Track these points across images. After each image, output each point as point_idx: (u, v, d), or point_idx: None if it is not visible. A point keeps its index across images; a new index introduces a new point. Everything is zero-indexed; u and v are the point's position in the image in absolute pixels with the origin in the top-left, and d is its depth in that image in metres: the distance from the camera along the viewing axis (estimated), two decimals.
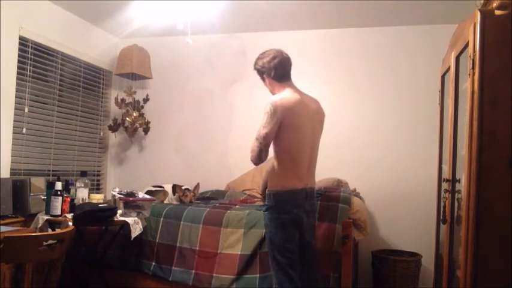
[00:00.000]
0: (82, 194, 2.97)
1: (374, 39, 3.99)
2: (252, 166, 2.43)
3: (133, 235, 2.82)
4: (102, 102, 4.48)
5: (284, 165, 2.33)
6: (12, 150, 3.32)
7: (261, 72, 2.50)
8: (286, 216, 2.30)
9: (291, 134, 2.30)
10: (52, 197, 2.74)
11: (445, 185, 2.37)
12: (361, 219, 3.05)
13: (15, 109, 3.33)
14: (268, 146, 2.32)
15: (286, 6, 3.56)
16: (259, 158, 2.30)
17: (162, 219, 3.08)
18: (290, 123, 2.28)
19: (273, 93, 2.48)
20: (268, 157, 2.35)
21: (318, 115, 2.49)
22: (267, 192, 2.38)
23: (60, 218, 2.71)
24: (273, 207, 2.33)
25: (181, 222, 3.03)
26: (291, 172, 2.33)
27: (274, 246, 2.33)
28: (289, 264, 2.31)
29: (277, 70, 2.43)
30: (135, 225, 2.84)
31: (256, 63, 2.52)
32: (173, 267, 2.96)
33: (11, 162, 3.31)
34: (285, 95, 2.35)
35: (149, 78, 4.38)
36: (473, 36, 1.82)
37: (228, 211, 3.01)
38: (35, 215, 2.84)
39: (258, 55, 2.52)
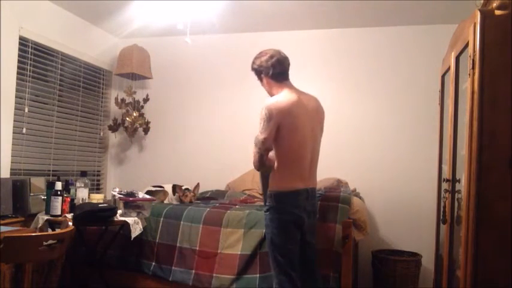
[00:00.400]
0: (82, 194, 2.97)
1: (374, 39, 3.99)
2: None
3: (133, 235, 2.82)
4: (102, 102, 4.48)
5: (285, 166, 2.33)
6: (12, 150, 3.32)
7: (258, 71, 2.47)
8: (287, 217, 2.30)
9: (290, 135, 2.29)
10: (52, 197, 2.74)
11: (445, 185, 2.37)
12: (361, 219, 3.05)
13: (15, 109, 3.33)
14: (268, 151, 2.32)
15: (286, 6, 3.56)
16: (260, 163, 2.32)
17: (162, 219, 3.08)
18: (288, 125, 2.27)
19: (270, 93, 2.47)
20: None
21: (318, 114, 2.48)
22: (268, 192, 2.36)
23: (60, 218, 2.71)
24: (274, 207, 2.32)
25: (181, 222, 3.03)
26: (293, 173, 2.33)
27: (275, 247, 2.32)
28: (290, 265, 2.30)
29: (275, 69, 2.41)
30: (135, 225, 2.84)
31: (253, 62, 2.50)
32: (173, 267, 2.96)
33: (11, 162, 3.31)
34: (280, 98, 2.33)
35: (149, 78, 4.38)
36: (473, 36, 1.82)
37: (228, 211, 3.01)
38: (35, 215, 2.84)
39: (255, 55, 2.50)
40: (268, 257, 2.39)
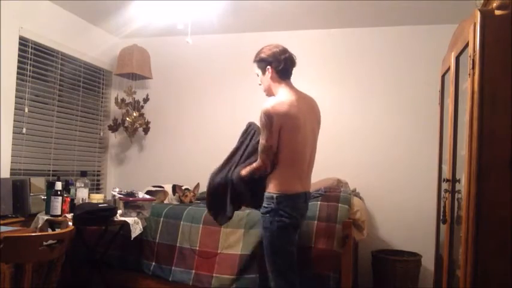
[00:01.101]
0: (82, 194, 2.97)
1: (374, 39, 3.99)
2: None
3: (133, 235, 2.82)
4: (102, 102, 4.48)
5: (287, 168, 2.29)
6: (12, 150, 3.32)
7: (267, 62, 2.36)
8: (287, 219, 2.25)
9: (291, 137, 2.26)
10: (52, 197, 2.74)
11: (445, 185, 2.37)
12: (361, 219, 3.05)
13: (15, 109, 3.33)
14: (275, 154, 2.29)
15: (286, 6, 3.56)
16: (270, 167, 2.30)
17: (162, 219, 3.08)
18: (289, 126, 2.24)
19: (268, 89, 2.42)
20: None
21: (316, 114, 2.45)
22: (267, 194, 2.30)
23: (60, 218, 2.71)
24: (275, 210, 2.25)
25: (181, 222, 3.03)
26: (293, 175, 2.30)
27: (275, 250, 2.27)
28: (290, 268, 2.27)
29: (286, 64, 2.35)
30: (135, 225, 2.84)
31: (262, 52, 2.40)
32: (173, 267, 2.96)
33: (11, 162, 3.31)
34: (278, 100, 2.28)
35: (149, 78, 4.38)
36: (473, 36, 1.81)
37: None
38: (35, 215, 2.85)
39: (265, 46, 2.42)
40: (266, 261, 2.32)
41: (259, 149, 2.30)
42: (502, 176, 1.74)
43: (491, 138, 1.76)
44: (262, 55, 2.40)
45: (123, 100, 4.33)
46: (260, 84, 2.47)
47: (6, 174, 3.23)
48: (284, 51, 2.39)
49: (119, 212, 2.84)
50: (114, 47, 4.41)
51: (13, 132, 3.33)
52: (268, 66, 2.37)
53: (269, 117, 2.22)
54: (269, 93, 2.43)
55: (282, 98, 2.30)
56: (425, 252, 3.51)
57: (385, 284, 3.45)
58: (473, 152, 1.78)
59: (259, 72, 2.44)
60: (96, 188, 4.38)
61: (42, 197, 2.98)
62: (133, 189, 3.09)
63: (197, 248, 2.94)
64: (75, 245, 2.88)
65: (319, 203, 2.86)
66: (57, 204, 2.74)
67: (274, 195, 2.27)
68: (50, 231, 2.48)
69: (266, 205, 2.29)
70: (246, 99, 4.18)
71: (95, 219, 2.70)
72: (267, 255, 2.31)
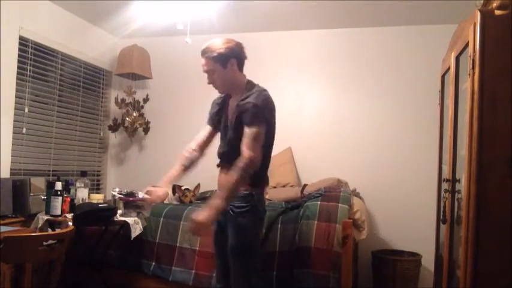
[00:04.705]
0: (82, 194, 2.97)
1: (374, 39, 3.99)
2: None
3: (133, 235, 2.82)
4: (102, 102, 4.48)
5: (262, 164, 2.15)
6: (12, 150, 3.32)
7: (227, 57, 2.19)
8: (263, 215, 2.22)
9: (273, 131, 2.24)
10: (52, 197, 2.74)
11: (445, 185, 2.37)
12: (361, 219, 3.04)
13: (15, 109, 3.33)
14: None
15: (286, 6, 3.56)
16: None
17: (162, 219, 3.08)
18: (274, 123, 2.22)
19: (232, 83, 2.27)
20: None
21: None
22: (246, 192, 2.11)
23: (60, 218, 2.72)
24: (256, 208, 2.12)
25: (181, 222, 3.03)
26: (265, 171, 2.27)
27: (255, 251, 2.16)
28: (257, 268, 2.23)
29: (244, 57, 2.30)
30: (135, 225, 2.84)
31: (218, 48, 2.21)
32: (173, 267, 2.96)
33: (11, 162, 3.31)
34: (267, 93, 2.19)
35: (149, 78, 4.38)
36: (473, 36, 1.81)
37: None
38: (35, 215, 2.85)
39: (214, 43, 2.24)
40: (238, 264, 2.13)
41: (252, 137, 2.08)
42: (502, 176, 1.74)
43: (491, 138, 1.76)
44: (220, 50, 2.20)
45: (123, 100, 4.33)
46: (211, 83, 2.31)
47: (6, 174, 3.22)
48: (239, 44, 2.31)
49: (119, 212, 2.84)
50: (114, 47, 4.41)
51: (13, 132, 3.33)
52: (232, 59, 2.22)
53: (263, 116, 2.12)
54: (232, 87, 2.29)
55: (266, 90, 2.21)
56: (425, 252, 3.51)
57: (385, 284, 3.45)
58: (473, 152, 1.78)
59: (217, 67, 2.22)
60: (96, 188, 4.38)
61: (42, 197, 2.98)
62: (133, 189, 3.09)
63: (197, 248, 2.93)
64: (75, 245, 2.88)
65: (319, 203, 2.86)
66: (57, 204, 2.74)
67: (254, 193, 2.13)
68: (50, 231, 2.48)
69: (243, 203, 2.11)
70: None
71: (95, 219, 2.70)
72: (242, 259, 2.12)
